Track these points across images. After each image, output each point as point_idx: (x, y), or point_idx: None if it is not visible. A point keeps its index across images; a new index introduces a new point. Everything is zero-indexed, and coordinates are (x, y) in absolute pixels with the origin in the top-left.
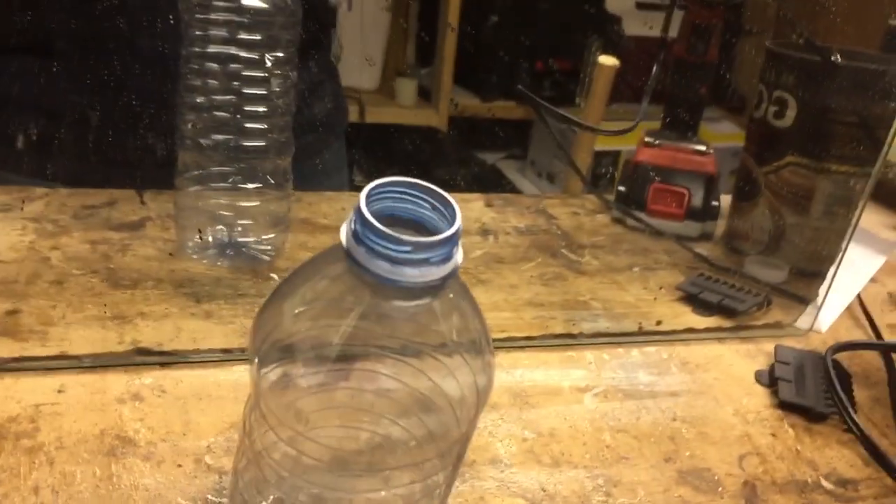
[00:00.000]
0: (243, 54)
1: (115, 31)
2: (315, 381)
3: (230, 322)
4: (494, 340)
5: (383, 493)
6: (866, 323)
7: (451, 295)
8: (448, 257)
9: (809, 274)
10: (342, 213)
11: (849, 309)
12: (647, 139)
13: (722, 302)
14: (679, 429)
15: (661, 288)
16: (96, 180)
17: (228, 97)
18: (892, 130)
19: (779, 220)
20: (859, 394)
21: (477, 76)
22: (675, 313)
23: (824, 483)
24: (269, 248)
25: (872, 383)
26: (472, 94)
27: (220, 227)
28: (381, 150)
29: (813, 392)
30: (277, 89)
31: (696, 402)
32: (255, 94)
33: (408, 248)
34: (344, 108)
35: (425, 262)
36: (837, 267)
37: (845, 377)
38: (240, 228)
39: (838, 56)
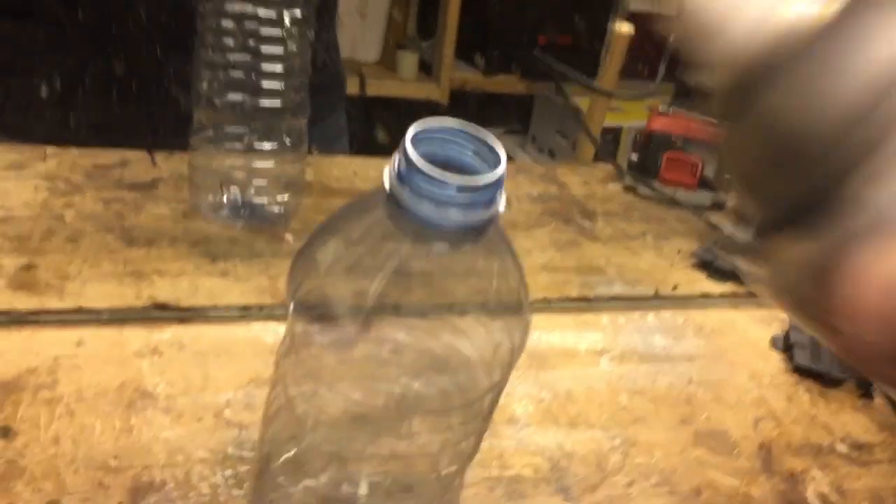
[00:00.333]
0: (261, 12)
1: None
2: (348, 332)
3: (246, 280)
4: None
5: (411, 446)
6: None
7: (493, 243)
8: (492, 201)
9: None
10: (354, 177)
11: None
12: (660, 108)
13: (737, 269)
14: (695, 392)
15: (678, 252)
16: (109, 140)
17: (245, 56)
18: None
19: None
20: None
21: (479, 50)
22: (690, 279)
23: (839, 447)
24: (282, 209)
25: None
26: (473, 69)
27: (235, 187)
28: (380, 123)
29: (828, 357)
30: (295, 48)
31: (712, 367)
32: (273, 53)
33: (453, 190)
34: (342, 76)
35: (470, 204)
36: None
37: None
38: (254, 189)
39: None
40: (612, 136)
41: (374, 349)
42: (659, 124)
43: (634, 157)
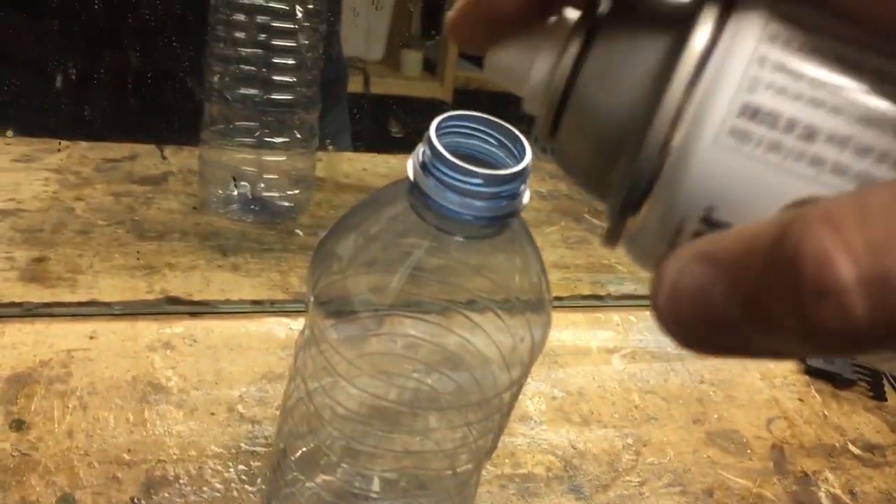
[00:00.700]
0: (273, 4)
1: None
2: (367, 327)
3: (257, 275)
4: None
5: (426, 443)
6: None
7: (516, 237)
8: (516, 194)
9: None
10: (363, 172)
11: None
12: None
13: None
14: (707, 391)
15: None
16: (119, 134)
17: (257, 49)
18: None
19: None
20: None
21: None
22: None
23: (852, 448)
24: (293, 204)
25: None
26: (477, 68)
27: (245, 182)
28: (385, 121)
29: (840, 359)
30: (306, 42)
31: (724, 366)
32: (285, 46)
33: (478, 181)
34: (345, 71)
35: (494, 196)
36: None
37: None
38: (264, 184)
39: None
40: None
41: (391, 344)
42: None
43: None
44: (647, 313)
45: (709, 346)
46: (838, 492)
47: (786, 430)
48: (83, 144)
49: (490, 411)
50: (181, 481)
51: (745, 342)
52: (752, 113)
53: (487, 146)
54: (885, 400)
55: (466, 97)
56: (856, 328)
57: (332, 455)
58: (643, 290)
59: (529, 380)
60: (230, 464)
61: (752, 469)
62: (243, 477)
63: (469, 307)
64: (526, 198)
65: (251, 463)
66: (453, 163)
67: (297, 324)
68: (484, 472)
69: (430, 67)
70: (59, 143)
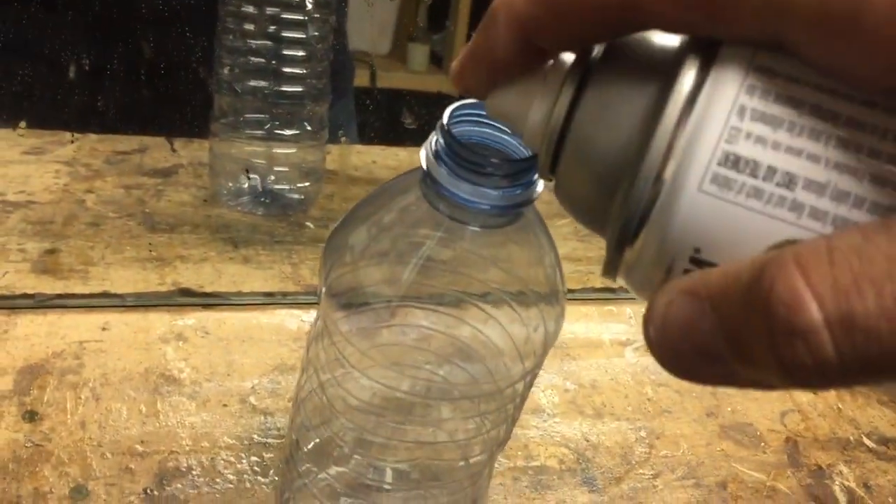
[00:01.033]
0: None
1: None
2: (380, 318)
3: (269, 267)
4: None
5: (439, 434)
6: None
7: (530, 228)
8: (529, 183)
9: None
10: (373, 165)
11: None
12: None
13: None
14: None
15: None
16: (130, 126)
17: (266, 41)
18: None
19: None
20: None
21: None
22: None
23: (866, 441)
24: (303, 196)
25: None
26: None
27: (255, 175)
28: (393, 114)
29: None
30: (316, 33)
31: None
32: (295, 37)
33: (491, 169)
34: (350, 63)
35: (508, 185)
36: None
37: None
38: (274, 176)
39: None
40: None
41: (403, 336)
42: None
43: None
44: None
45: (698, 376)
46: (853, 485)
47: (800, 423)
48: (93, 137)
49: (503, 402)
50: (194, 472)
51: (732, 374)
52: (734, 162)
53: (501, 134)
54: None
55: None
56: (826, 366)
57: (345, 446)
58: None
59: (542, 372)
60: (243, 455)
61: (765, 462)
62: (256, 468)
63: (483, 298)
64: (540, 186)
65: (264, 454)
66: (466, 151)
67: (309, 315)
68: (497, 465)
69: (437, 61)
70: (73, 136)
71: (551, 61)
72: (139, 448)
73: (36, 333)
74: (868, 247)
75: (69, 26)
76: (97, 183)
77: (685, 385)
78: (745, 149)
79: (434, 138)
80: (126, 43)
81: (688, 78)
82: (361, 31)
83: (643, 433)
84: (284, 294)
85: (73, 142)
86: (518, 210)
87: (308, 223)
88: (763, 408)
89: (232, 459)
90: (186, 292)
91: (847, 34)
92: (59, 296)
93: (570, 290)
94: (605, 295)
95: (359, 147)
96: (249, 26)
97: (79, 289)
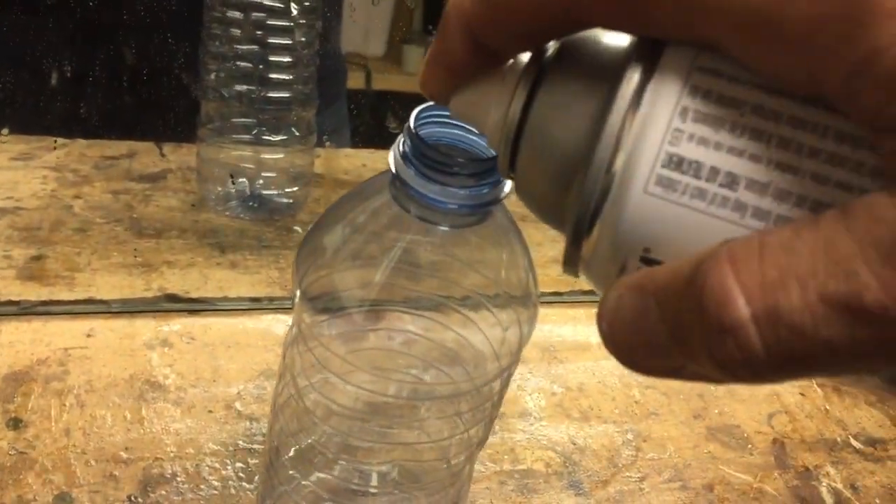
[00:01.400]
0: (268, 2)
1: None
2: (357, 322)
3: (256, 272)
4: None
5: (420, 436)
6: None
7: (502, 231)
8: (496, 182)
9: None
10: (362, 168)
11: None
12: None
13: None
14: (708, 386)
15: None
16: (117, 131)
17: (252, 46)
18: None
19: None
20: None
21: None
22: None
23: (853, 442)
24: (291, 201)
25: None
26: None
27: (243, 179)
28: (386, 117)
29: None
30: (303, 39)
31: None
32: (280, 43)
33: (458, 169)
34: (343, 67)
35: (475, 184)
36: None
37: None
38: (262, 181)
39: None
40: None
41: (384, 340)
42: None
43: None
44: None
45: (648, 370)
46: (840, 486)
47: (787, 425)
48: (82, 142)
49: (481, 401)
50: (178, 479)
51: (681, 367)
52: (677, 163)
53: (468, 135)
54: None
55: None
56: (755, 360)
57: (328, 452)
58: None
59: (529, 375)
60: (228, 461)
61: (752, 464)
62: (241, 474)
63: (458, 300)
64: (508, 185)
65: (249, 460)
66: (433, 151)
67: None
68: (483, 468)
69: None
70: (55, 142)
71: (511, 61)
72: (124, 455)
73: (20, 340)
74: (796, 242)
75: (52, 32)
76: (85, 188)
77: (672, 387)
78: (688, 150)
79: (401, 140)
80: (111, 48)
81: (632, 80)
82: (355, 33)
83: (630, 436)
84: (271, 299)
85: (55, 148)
86: (486, 209)
87: (296, 227)
88: (750, 409)
89: (217, 466)
90: (172, 298)
91: (768, 38)
92: (44, 302)
93: (558, 293)
94: (593, 297)
95: (347, 151)
96: (235, 31)
97: (64, 295)
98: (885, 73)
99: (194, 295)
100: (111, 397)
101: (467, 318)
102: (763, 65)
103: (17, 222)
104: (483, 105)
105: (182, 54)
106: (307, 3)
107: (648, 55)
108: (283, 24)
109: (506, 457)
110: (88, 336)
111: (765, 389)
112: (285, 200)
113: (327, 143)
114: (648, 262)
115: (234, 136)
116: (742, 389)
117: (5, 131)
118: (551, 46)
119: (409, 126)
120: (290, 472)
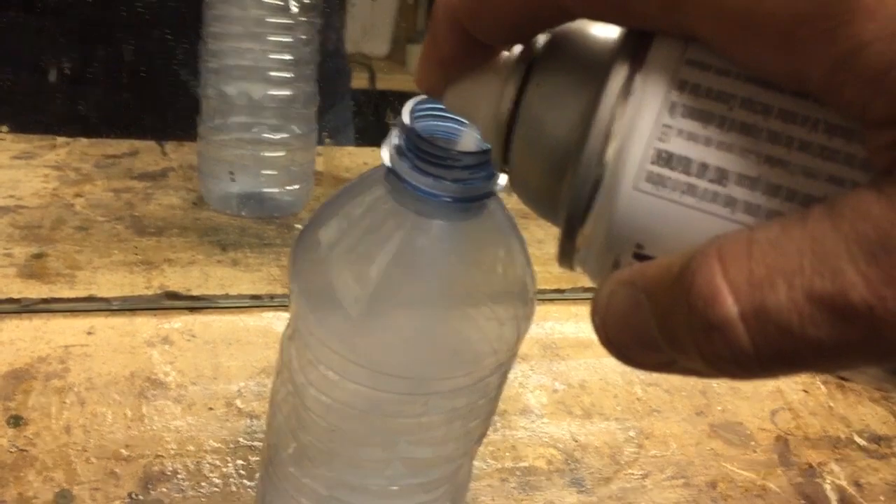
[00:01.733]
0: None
1: None
2: (353, 317)
3: (257, 270)
4: None
5: (416, 433)
6: None
7: (499, 227)
8: (491, 174)
9: None
10: (364, 167)
11: None
12: None
13: None
14: (710, 383)
15: None
16: (118, 130)
17: (252, 44)
18: None
19: None
20: None
21: None
22: None
23: (857, 439)
24: (292, 199)
25: None
26: None
27: (243, 177)
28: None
29: None
30: (303, 37)
31: None
32: (280, 41)
33: (451, 161)
34: (346, 66)
35: (469, 177)
36: None
37: None
38: (263, 179)
39: None
40: None
41: (380, 335)
42: None
43: None
44: None
45: (641, 364)
46: (844, 483)
47: (790, 422)
48: (83, 141)
49: (478, 395)
50: (179, 476)
51: (672, 362)
52: (666, 159)
53: (461, 128)
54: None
55: None
56: (743, 358)
57: (326, 448)
58: None
59: (531, 373)
60: (228, 459)
61: (756, 461)
62: (241, 472)
63: (457, 297)
64: (502, 178)
65: (249, 458)
66: (427, 144)
67: None
68: (484, 466)
69: None
70: (55, 140)
71: (504, 54)
72: (124, 452)
73: (21, 338)
74: (784, 239)
75: (53, 30)
76: (86, 187)
77: (675, 384)
78: (677, 146)
79: (395, 133)
80: (111, 47)
81: (619, 74)
82: (359, 33)
83: (632, 433)
84: (272, 296)
85: (56, 146)
86: (481, 201)
87: (297, 225)
88: (753, 406)
89: (217, 463)
90: (173, 296)
91: (749, 33)
92: (45, 300)
93: (560, 290)
94: None
95: (349, 148)
96: (236, 29)
97: (65, 293)
98: (869, 68)
99: (195, 292)
100: (112, 395)
101: (464, 313)
102: (747, 59)
103: (18, 220)
104: (475, 98)
105: (183, 52)
106: (307, 1)
107: (636, 48)
108: (283, 21)
109: (507, 454)
110: (89, 334)
111: (768, 386)
112: (286, 198)
113: (327, 141)
114: (641, 257)
115: (234, 134)
116: (745, 386)
117: (5, 128)
118: (542, 39)
119: (401, 119)
120: (290, 468)
